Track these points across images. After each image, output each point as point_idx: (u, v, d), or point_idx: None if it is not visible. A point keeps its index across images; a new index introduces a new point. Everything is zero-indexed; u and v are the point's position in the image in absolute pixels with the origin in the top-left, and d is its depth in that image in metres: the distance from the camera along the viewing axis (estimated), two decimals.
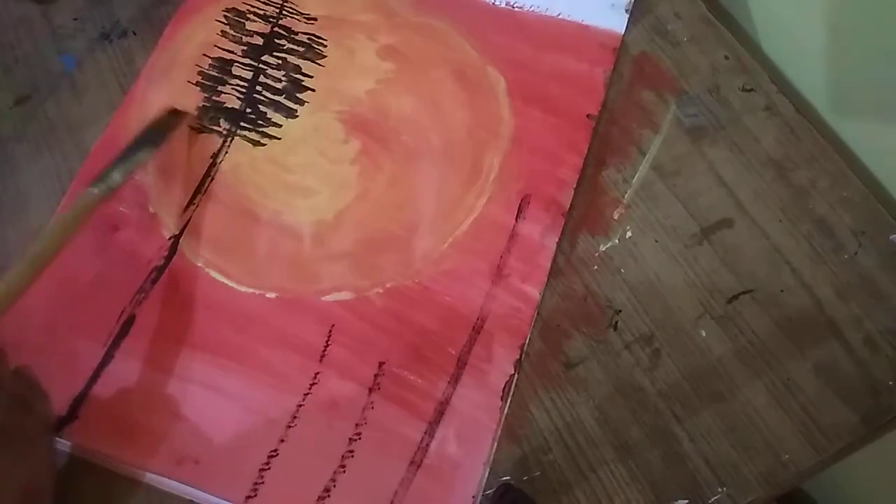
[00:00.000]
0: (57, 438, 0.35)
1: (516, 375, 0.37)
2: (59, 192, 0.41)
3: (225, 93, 0.43)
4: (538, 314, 0.38)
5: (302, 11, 0.46)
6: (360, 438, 0.36)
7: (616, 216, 0.41)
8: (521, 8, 0.46)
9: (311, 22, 0.45)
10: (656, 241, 0.40)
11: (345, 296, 0.39)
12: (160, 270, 0.39)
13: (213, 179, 0.41)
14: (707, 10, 0.45)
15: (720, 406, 0.37)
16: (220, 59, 0.44)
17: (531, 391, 0.37)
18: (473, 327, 0.38)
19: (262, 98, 0.43)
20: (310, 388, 0.37)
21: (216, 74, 0.44)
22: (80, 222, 0.35)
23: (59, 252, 0.34)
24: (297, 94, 0.43)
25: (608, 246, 0.40)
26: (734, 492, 0.35)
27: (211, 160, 0.42)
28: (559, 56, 0.44)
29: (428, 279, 0.39)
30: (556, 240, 0.40)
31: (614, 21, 0.45)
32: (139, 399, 0.36)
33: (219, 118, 0.43)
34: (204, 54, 0.44)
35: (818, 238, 0.40)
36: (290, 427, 0.36)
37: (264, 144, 0.42)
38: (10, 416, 0.25)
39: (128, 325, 0.38)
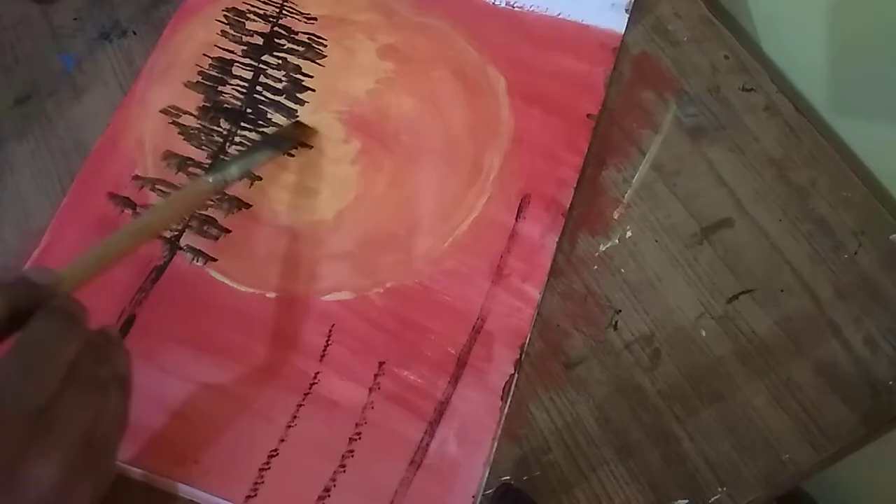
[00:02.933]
0: None
1: (516, 375, 0.37)
2: (60, 193, 0.41)
3: (225, 93, 0.43)
4: (538, 314, 0.38)
5: (302, 11, 0.46)
6: (360, 438, 0.36)
7: (616, 216, 0.41)
8: (521, 8, 0.46)
9: (311, 22, 0.45)
10: (656, 241, 0.40)
11: (345, 295, 0.39)
12: (160, 270, 0.39)
13: None
14: (707, 10, 0.45)
15: (720, 406, 0.37)
16: (220, 58, 0.44)
17: (531, 391, 0.37)
18: (473, 327, 0.38)
19: (263, 98, 0.43)
20: (310, 388, 0.37)
21: (216, 74, 0.44)
22: (188, 207, 0.37)
23: (164, 228, 0.37)
24: (298, 94, 0.43)
25: (608, 246, 0.40)
26: (734, 492, 0.35)
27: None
28: (559, 56, 0.44)
29: (428, 279, 0.39)
30: (556, 239, 0.40)
31: (614, 21, 0.45)
32: (139, 399, 0.36)
33: (219, 118, 0.43)
34: (204, 54, 0.44)
35: (818, 238, 0.40)
36: (290, 427, 0.36)
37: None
38: (85, 359, 0.25)
39: (128, 325, 0.38)
